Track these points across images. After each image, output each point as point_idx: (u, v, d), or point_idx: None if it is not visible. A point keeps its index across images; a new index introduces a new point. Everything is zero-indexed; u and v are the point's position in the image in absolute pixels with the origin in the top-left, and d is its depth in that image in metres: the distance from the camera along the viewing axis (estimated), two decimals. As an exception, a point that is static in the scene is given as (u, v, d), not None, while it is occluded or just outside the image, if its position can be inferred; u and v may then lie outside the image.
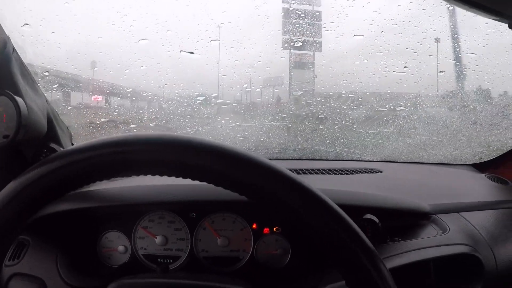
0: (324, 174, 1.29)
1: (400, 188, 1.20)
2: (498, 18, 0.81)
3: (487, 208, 1.10)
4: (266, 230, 0.97)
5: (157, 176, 0.45)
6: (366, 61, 1.75)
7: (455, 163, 1.66)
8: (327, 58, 2.12)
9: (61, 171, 0.44)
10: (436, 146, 1.83)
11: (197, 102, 1.89)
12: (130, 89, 1.78)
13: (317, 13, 2.02)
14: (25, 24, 1.18)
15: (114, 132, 1.68)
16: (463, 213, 1.04)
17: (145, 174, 0.46)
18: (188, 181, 0.46)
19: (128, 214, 0.97)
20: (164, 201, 0.93)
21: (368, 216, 0.89)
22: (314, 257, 0.93)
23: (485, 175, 1.41)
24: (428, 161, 1.70)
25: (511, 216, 1.10)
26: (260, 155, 0.45)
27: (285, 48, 2.08)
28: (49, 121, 0.90)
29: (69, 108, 1.71)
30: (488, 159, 1.54)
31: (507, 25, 0.83)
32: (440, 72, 1.73)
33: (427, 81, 1.80)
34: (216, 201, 0.92)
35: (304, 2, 2.04)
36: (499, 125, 1.77)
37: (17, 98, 0.70)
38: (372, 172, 1.37)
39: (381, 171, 1.38)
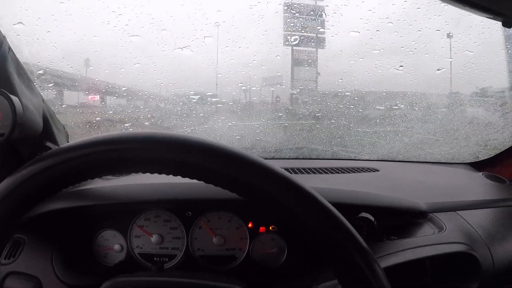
0: (321, 173, 1.29)
1: (397, 187, 1.20)
2: (492, 16, 0.81)
3: (484, 206, 1.11)
4: (262, 229, 0.97)
5: (153, 175, 0.45)
6: (361, 59, 1.75)
7: (452, 162, 1.66)
8: (322, 57, 2.13)
9: (56, 168, 0.44)
10: (433, 145, 1.83)
11: (193, 101, 1.89)
12: (125, 88, 1.78)
13: (320, 8, 2.00)
14: (19, 22, 1.18)
15: (110, 131, 1.67)
16: (460, 212, 1.04)
17: (140, 172, 0.46)
18: (184, 180, 0.46)
19: (124, 212, 0.97)
20: (159, 199, 0.93)
21: (364, 214, 0.89)
22: (310, 255, 0.93)
23: (482, 174, 1.41)
24: (425, 160, 1.70)
25: (508, 214, 1.10)
26: (255, 154, 0.45)
27: (286, 45, 2.06)
28: (45, 120, 0.89)
29: (64, 106, 1.70)
30: (485, 157, 1.55)
31: (502, 25, 0.83)
32: (437, 70, 1.72)
33: (423, 80, 1.80)
34: (212, 199, 0.92)
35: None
36: (496, 124, 1.77)
37: (12, 97, 0.70)
38: (369, 171, 1.37)
39: (378, 170, 1.38)
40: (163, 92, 1.90)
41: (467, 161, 1.60)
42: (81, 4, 1.41)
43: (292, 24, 1.99)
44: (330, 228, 0.43)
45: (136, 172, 0.46)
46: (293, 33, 2.01)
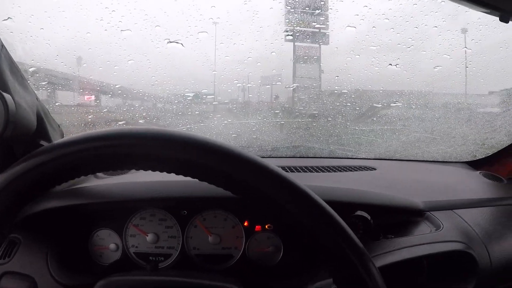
0: (317, 171, 1.28)
1: (394, 186, 1.19)
2: (489, 11, 0.80)
3: (481, 205, 1.10)
4: (258, 227, 0.96)
5: (148, 173, 0.45)
6: (358, 56, 1.74)
7: (449, 160, 1.66)
8: (318, 54, 2.11)
9: (49, 164, 0.44)
10: (430, 143, 1.83)
11: (188, 98, 1.88)
12: (119, 86, 1.76)
13: (322, 1, 1.94)
14: (8, 18, 1.17)
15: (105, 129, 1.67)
16: (457, 210, 1.04)
17: (134, 168, 0.45)
18: (179, 178, 0.46)
19: (119, 211, 0.96)
20: (154, 197, 0.92)
21: (360, 212, 0.89)
22: (306, 254, 0.93)
23: (479, 173, 1.41)
24: (423, 159, 1.71)
25: (506, 213, 1.10)
26: (250, 152, 0.45)
27: (287, 40, 2.01)
28: (39, 118, 0.89)
29: (56, 104, 1.70)
30: (483, 156, 1.55)
31: (499, 20, 0.83)
32: (435, 67, 1.71)
33: (421, 78, 1.80)
34: (208, 198, 0.91)
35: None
36: (494, 123, 1.77)
37: (5, 94, 0.70)
38: (366, 170, 1.36)
39: (375, 169, 1.38)
40: (158, 90, 1.89)
41: (465, 160, 1.61)
42: (73, 0, 1.40)
43: (294, 18, 1.93)
44: (323, 226, 0.43)
45: (130, 168, 0.46)
46: (295, 27, 1.97)
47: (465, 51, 1.64)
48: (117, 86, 1.76)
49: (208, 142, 0.43)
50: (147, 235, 0.94)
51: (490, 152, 1.52)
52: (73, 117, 1.72)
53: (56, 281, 0.83)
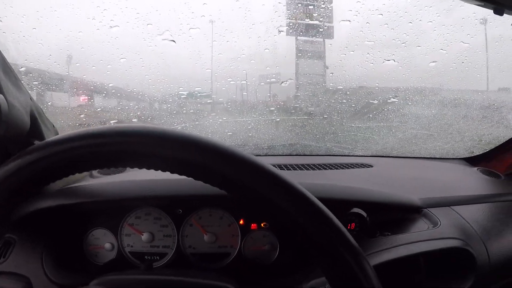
0: (314, 169, 1.28)
1: (391, 183, 1.19)
2: (483, 4, 0.80)
3: (479, 201, 1.10)
4: (253, 226, 0.96)
5: (143, 172, 0.44)
6: (352, 52, 1.73)
7: (447, 157, 1.66)
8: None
9: (42, 162, 0.43)
10: (427, 140, 1.83)
11: (182, 97, 1.87)
12: (112, 85, 1.76)
13: None
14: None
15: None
16: (454, 207, 1.04)
17: (128, 166, 0.45)
18: (175, 176, 0.46)
19: (114, 210, 0.96)
20: (149, 195, 0.92)
21: (355, 210, 0.88)
22: (302, 252, 0.92)
23: (477, 169, 1.41)
24: (420, 156, 1.71)
25: (504, 209, 1.10)
26: (244, 151, 0.44)
27: (290, 34, 1.95)
28: (33, 118, 0.88)
29: (49, 104, 1.69)
30: (480, 152, 1.55)
31: (493, 13, 0.82)
32: (431, 62, 1.70)
33: (417, 73, 1.79)
34: (203, 196, 0.91)
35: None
36: (491, 118, 1.77)
37: None
38: (363, 167, 1.36)
39: (372, 166, 1.38)
40: (152, 88, 1.88)
41: (462, 156, 1.61)
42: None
43: (297, 11, 1.88)
44: (317, 224, 0.43)
45: (125, 166, 0.45)
46: (298, 21, 1.91)
47: (461, 45, 1.63)
48: (110, 85, 1.76)
49: (202, 140, 0.43)
50: (142, 234, 0.93)
51: (487, 148, 1.52)
52: (67, 117, 1.72)
53: (51, 281, 0.83)
